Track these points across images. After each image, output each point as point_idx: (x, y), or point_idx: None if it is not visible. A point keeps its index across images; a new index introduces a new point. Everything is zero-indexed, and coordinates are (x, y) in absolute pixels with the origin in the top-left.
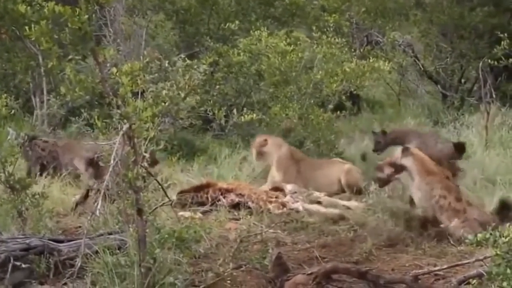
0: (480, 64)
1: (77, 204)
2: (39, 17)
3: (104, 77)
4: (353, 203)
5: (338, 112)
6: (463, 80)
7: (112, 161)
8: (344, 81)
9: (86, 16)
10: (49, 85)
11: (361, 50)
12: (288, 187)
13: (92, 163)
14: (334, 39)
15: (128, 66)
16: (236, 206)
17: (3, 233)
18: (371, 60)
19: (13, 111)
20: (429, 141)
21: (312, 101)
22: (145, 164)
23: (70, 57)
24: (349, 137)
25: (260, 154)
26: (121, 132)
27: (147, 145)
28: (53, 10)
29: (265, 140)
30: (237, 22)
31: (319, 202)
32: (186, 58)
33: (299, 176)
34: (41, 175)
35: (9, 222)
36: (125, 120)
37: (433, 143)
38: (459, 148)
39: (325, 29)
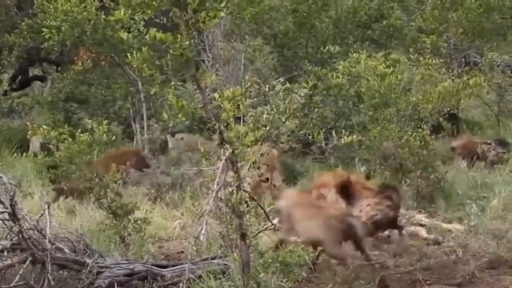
0: None
1: None
2: (140, 43)
3: (206, 102)
4: (455, 226)
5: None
6: None
7: (215, 186)
8: (440, 101)
9: (188, 42)
10: (148, 110)
11: (459, 71)
12: None
13: None
14: (432, 60)
15: (230, 91)
16: None
17: (106, 259)
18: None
19: (114, 137)
20: None
21: (412, 123)
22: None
23: (172, 83)
24: (448, 158)
25: None
26: (223, 157)
27: (248, 169)
28: (155, 37)
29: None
30: (336, 45)
31: (421, 225)
32: (286, 82)
33: None
34: None
35: (112, 247)
36: (227, 145)
37: None
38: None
39: (422, 51)
